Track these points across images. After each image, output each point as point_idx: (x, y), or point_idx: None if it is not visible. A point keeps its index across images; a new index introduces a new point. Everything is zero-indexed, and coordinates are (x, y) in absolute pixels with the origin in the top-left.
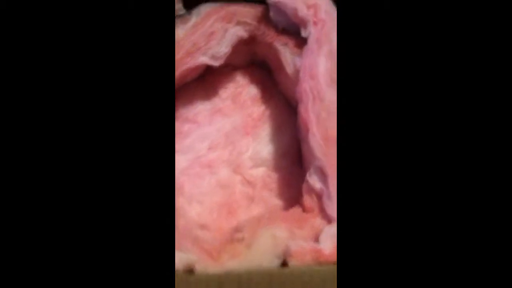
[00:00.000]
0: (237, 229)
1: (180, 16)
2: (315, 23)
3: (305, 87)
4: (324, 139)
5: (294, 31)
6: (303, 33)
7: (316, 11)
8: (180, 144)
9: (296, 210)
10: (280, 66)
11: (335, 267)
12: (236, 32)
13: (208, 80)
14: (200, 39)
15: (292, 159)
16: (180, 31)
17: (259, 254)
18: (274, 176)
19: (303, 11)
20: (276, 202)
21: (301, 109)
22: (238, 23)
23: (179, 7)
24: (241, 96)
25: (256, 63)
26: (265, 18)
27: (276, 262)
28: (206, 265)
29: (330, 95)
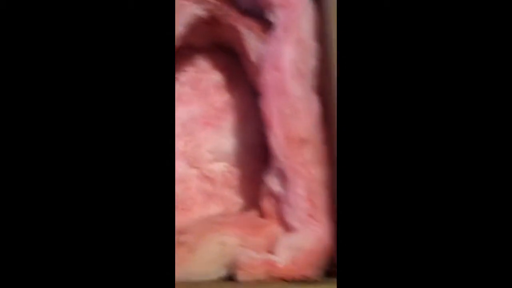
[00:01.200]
0: (181, 231)
1: None
2: (283, 7)
3: (268, 79)
4: (286, 139)
5: (260, 14)
6: (270, 17)
7: None
8: None
9: (252, 215)
10: (245, 52)
11: (291, 284)
12: (193, 11)
13: None
14: None
15: (257, 155)
16: None
17: (204, 263)
18: (236, 172)
19: None
20: (237, 200)
21: (263, 103)
22: (196, 0)
23: None
24: (202, 83)
25: (220, 46)
26: None
27: (222, 273)
28: None
29: (296, 90)
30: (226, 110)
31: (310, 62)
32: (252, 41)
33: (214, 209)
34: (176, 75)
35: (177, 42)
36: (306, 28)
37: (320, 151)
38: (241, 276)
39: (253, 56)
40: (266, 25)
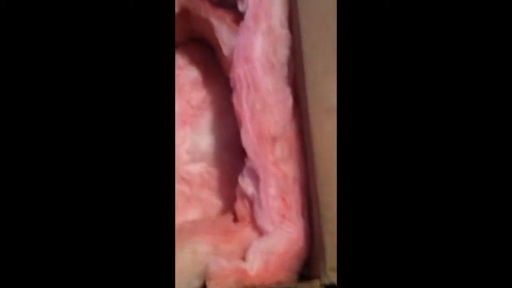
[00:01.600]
0: None
1: None
2: None
3: (239, 72)
4: (257, 136)
5: (232, 4)
6: (240, 7)
7: None
8: None
9: (226, 219)
10: (219, 45)
11: None
12: None
13: None
14: None
15: (236, 153)
16: None
17: (176, 273)
18: (214, 172)
19: None
20: (216, 202)
21: (235, 98)
22: None
23: None
24: (179, 79)
25: (196, 40)
26: None
27: (196, 284)
28: None
29: (267, 83)
30: (203, 107)
31: (282, 52)
32: (224, 33)
33: (192, 212)
34: None
35: None
36: (277, 15)
37: (293, 147)
38: (212, 287)
39: (225, 50)
40: (238, 16)
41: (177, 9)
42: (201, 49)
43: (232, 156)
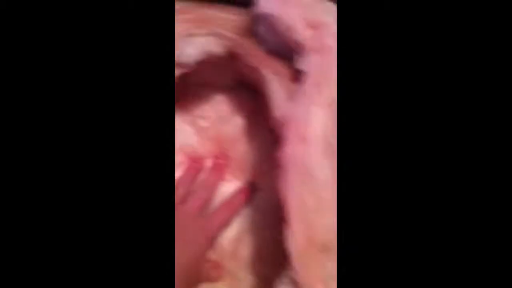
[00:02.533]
0: None
1: None
2: (316, 51)
3: (290, 153)
4: (306, 242)
5: (290, 57)
6: (299, 64)
7: (322, 35)
8: None
9: None
10: (269, 103)
11: None
12: (205, 45)
13: (181, 99)
14: None
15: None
16: None
17: None
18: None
19: (303, 32)
20: (248, 278)
21: (281, 185)
22: (211, 33)
23: None
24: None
25: (245, 84)
26: (250, 32)
27: None
28: None
29: (325, 172)
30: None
31: None
32: (277, 91)
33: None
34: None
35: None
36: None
37: None
38: None
39: (277, 112)
40: (298, 73)
41: (222, 52)
42: (248, 94)
43: (271, 220)
